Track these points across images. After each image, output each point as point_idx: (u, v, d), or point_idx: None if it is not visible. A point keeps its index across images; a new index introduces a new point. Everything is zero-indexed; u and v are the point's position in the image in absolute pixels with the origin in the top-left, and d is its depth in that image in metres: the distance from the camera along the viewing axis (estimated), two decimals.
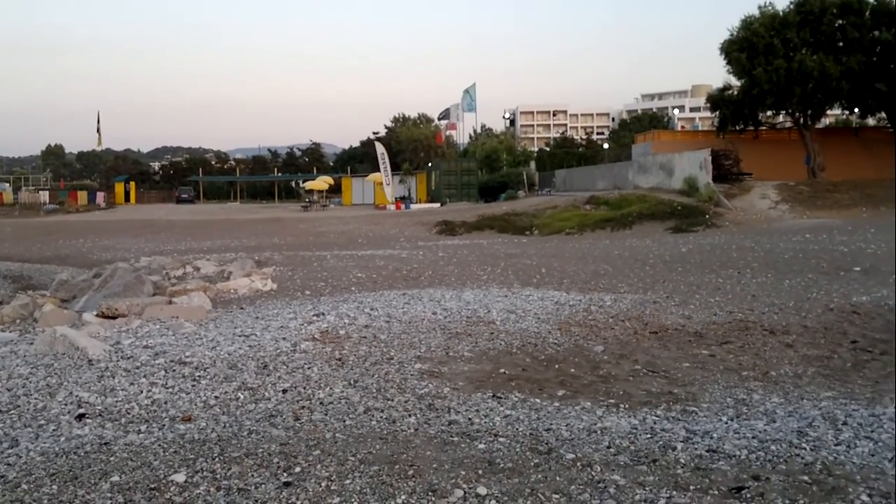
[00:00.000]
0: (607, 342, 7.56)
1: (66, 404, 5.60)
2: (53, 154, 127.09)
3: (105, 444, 4.68)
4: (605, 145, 78.23)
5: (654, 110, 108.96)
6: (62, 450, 4.59)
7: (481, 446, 4.50)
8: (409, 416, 5.16)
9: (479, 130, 78.12)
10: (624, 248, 18.00)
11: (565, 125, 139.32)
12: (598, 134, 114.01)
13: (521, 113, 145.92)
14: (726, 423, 5.00)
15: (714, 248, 16.84)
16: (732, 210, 25.12)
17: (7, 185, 74.34)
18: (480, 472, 4.08)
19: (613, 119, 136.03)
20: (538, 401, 5.56)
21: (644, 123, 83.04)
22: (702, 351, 7.19)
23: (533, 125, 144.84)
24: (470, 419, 5.08)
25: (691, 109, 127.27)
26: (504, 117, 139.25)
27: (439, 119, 70.41)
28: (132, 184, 76.43)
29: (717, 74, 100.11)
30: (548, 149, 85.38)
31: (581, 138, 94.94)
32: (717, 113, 36.37)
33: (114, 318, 9.00)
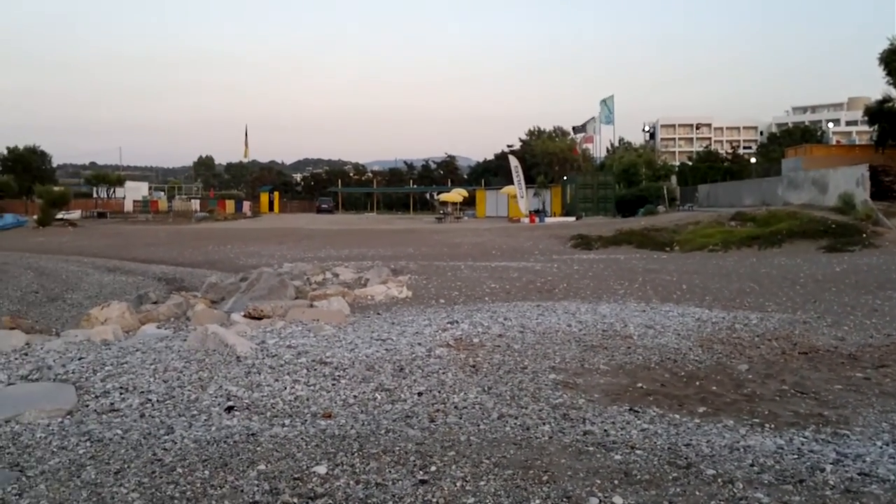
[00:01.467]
0: (752, 361, 7.28)
1: (216, 397, 5.98)
2: (204, 165, 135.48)
3: (252, 434, 4.97)
4: (753, 160, 75.11)
5: (807, 123, 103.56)
6: (213, 438, 4.92)
7: (617, 457, 4.47)
8: (544, 424, 5.18)
9: (616, 144, 76.95)
10: (772, 266, 17.23)
11: (709, 139, 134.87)
12: (744, 148, 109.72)
13: (662, 126, 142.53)
14: (881, 447, 4.72)
15: (872, 268, 15.83)
16: (893, 229, 23.50)
17: (162, 193, 79.80)
18: (616, 482, 4.05)
19: (762, 133, 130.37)
20: (677, 416, 5.45)
21: (795, 137, 79.08)
22: (856, 374, 6.80)
23: (674, 139, 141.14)
24: (606, 431, 5.04)
25: (847, 123, 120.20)
26: (644, 130, 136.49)
27: (575, 132, 69.92)
28: (276, 194, 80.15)
29: (876, 86, 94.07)
30: (690, 163, 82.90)
31: (726, 152, 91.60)
32: (876, 126, 34.21)
33: (259, 318, 9.51)
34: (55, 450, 4.85)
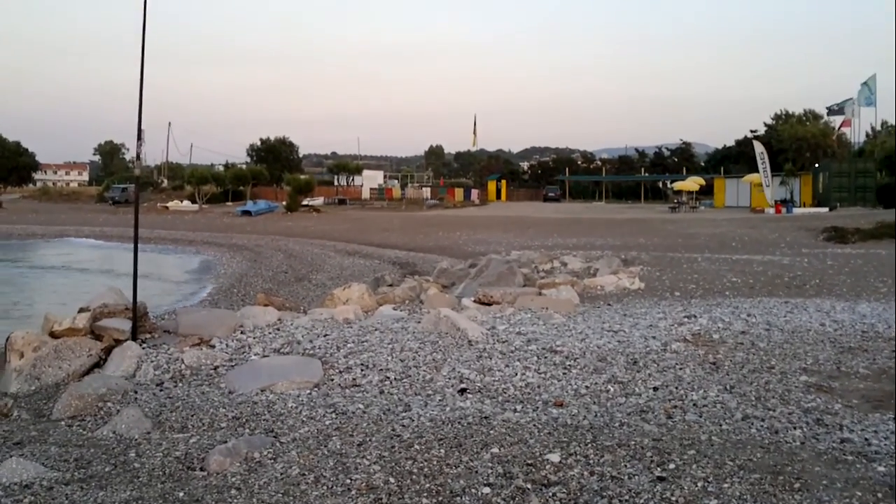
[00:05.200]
0: None
1: (449, 378, 6.22)
2: (434, 154, 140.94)
3: (485, 417, 5.11)
4: None
5: None
6: (448, 418, 5.11)
7: (881, 468, 4.08)
8: (794, 428, 4.84)
9: (878, 127, 69.87)
10: None
11: None
12: None
13: None
14: None
15: None
16: None
17: (396, 181, 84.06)
18: (880, 495, 3.69)
19: None
20: None
21: None
22: None
23: None
24: (866, 439, 4.62)
25: None
26: None
27: (829, 114, 64.47)
28: (503, 182, 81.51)
29: None
30: None
31: None
32: None
33: (489, 304, 9.74)
34: (304, 419, 5.29)
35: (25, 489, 4.11)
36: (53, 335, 7.66)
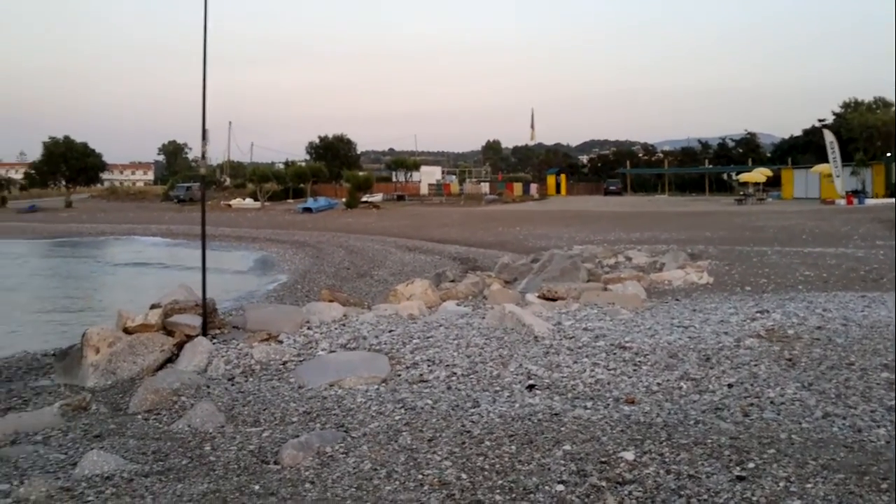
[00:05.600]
0: None
1: (516, 374, 6.20)
2: (492, 149, 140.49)
3: (555, 414, 5.08)
4: None
5: None
6: (517, 415, 5.10)
7: None
8: (878, 426, 4.69)
9: None
10: None
11: None
12: None
13: None
14: None
15: None
16: None
17: (454, 177, 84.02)
18: None
19: None
20: None
21: None
22: None
23: None
24: None
25: None
26: None
27: None
28: (562, 176, 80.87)
29: None
30: None
31: None
32: None
33: (553, 300, 9.68)
34: (374, 414, 5.33)
35: (107, 481, 4.23)
36: (127, 331, 7.89)
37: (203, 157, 10.61)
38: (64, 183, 78.33)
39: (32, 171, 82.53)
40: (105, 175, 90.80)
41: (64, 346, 9.26)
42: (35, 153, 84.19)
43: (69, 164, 76.64)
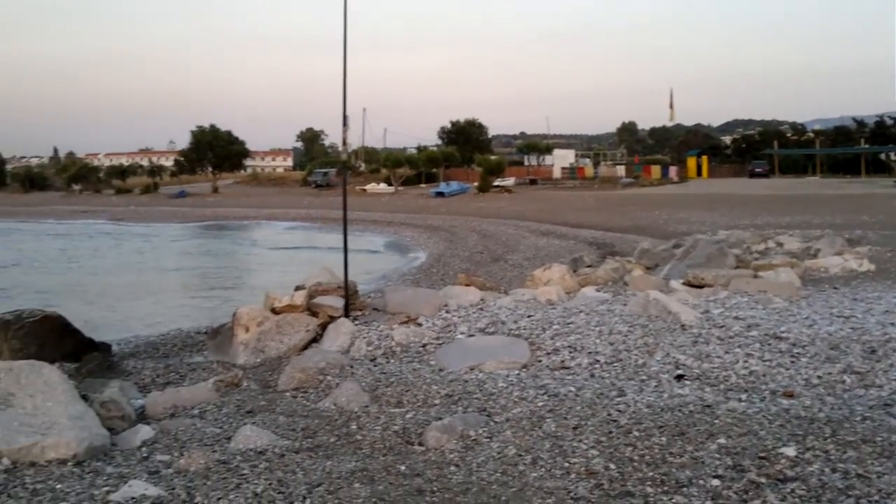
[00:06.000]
0: None
1: (663, 364, 6.02)
2: (627, 130, 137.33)
3: (707, 406, 4.89)
4: None
5: None
6: (666, 406, 4.95)
7: None
8: None
9: None
10: None
11: None
12: None
13: None
14: None
15: None
16: None
17: (588, 160, 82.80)
18: None
19: None
20: None
21: None
22: None
23: None
24: None
25: None
26: None
27: None
28: (704, 158, 78.14)
29: None
30: None
31: None
32: None
33: (700, 287, 9.35)
34: (516, 400, 5.31)
35: (260, 455, 4.42)
36: (274, 311, 8.22)
37: (344, 143, 10.88)
38: (210, 169, 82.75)
39: (181, 159, 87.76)
40: (248, 161, 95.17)
41: (214, 324, 9.79)
42: (183, 142, 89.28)
43: (215, 151, 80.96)
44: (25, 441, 4.28)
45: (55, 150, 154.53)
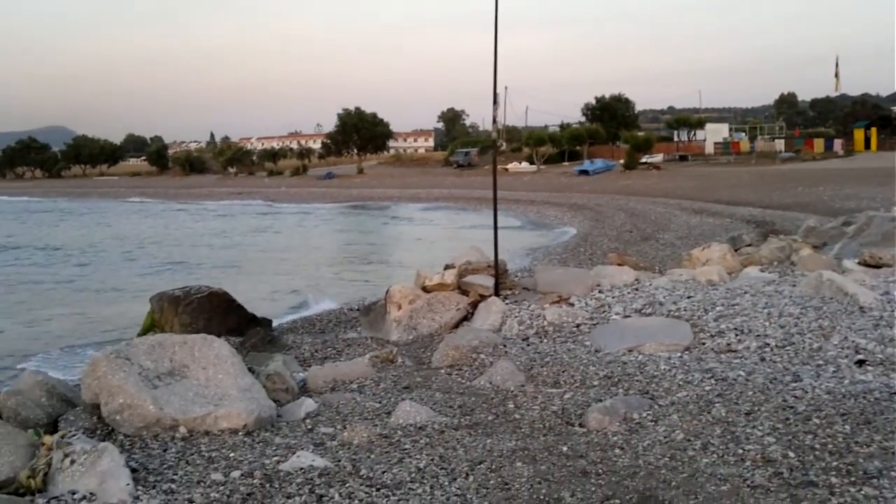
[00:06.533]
0: None
1: (841, 348, 5.65)
2: (786, 102, 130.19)
3: (894, 393, 4.55)
4: None
5: None
6: (848, 392, 4.64)
7: None
8: None
9: None
10: None
11: None
12: None
13: None
14: None
15: None
16: None
17: (743, 134, 79.16)
18: None
19: None
20: None
21: None
22: None
23: None
24: None
25: None
26: None
27: None
28: (873, 130, 73.08)
29: None
30: None
31: None
32: None
33: (877, 266, 8.72)
34: (681, 383, 5.13)
35: (420, 430, 4.48)
36: (425, 289, 8.33)
37: (494, 121, 10.83)
38: (356, 151, 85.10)
39: (328, 141, 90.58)
40: (391, 143, 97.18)
41: (366, 300, 10.04)
42: (330, 125, 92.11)
43: (360, 133, 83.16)
44: (200, 411, 4.52)
45: (212, 135, 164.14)
